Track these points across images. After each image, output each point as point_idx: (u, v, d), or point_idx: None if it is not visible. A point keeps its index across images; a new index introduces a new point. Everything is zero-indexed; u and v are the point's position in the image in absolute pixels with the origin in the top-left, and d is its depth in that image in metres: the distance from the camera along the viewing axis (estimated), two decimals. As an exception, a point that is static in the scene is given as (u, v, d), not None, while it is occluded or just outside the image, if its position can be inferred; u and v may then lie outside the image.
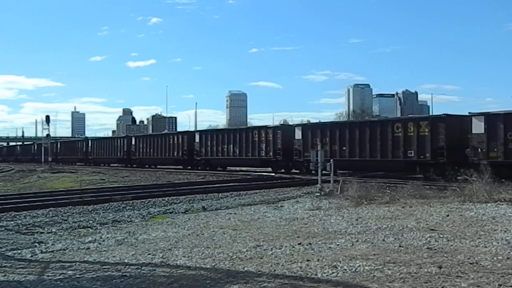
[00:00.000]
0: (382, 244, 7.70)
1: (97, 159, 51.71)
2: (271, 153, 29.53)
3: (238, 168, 34.27)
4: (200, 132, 38.29)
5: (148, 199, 15.64)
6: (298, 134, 27.82)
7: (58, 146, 63.33)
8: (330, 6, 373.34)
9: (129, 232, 9.92)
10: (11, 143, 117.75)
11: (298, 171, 28.26)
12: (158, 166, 41.45)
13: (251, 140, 31.08)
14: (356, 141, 24.54)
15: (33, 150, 69.57)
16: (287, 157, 28.54)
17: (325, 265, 6.38)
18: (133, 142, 44.51)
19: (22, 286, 5.99)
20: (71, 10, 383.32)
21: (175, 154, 38.11)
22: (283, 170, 29.14)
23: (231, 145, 32.50)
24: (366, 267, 6.18)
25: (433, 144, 21.36)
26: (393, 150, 22.86)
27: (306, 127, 28.76)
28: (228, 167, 34.91)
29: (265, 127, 31.91)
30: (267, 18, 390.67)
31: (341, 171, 23.13)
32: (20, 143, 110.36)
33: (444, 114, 22.18)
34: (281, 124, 34.83)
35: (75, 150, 58.08)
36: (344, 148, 25.10)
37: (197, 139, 35.55)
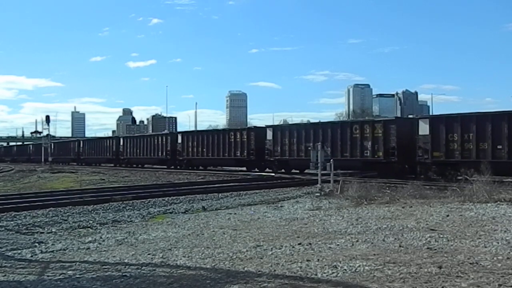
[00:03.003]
0: (382, 244, 7.69)
1: (131, 159, 45.39)
2: (380, 153, 23.66)
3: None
4: (274, 127, 31.93)
5: (148, 199, 15.65)
6: (424, 129, 21.97)
7: (81, 145, 57.50)
8: (328, 7, 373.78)
9: (129, 232, 9.92)
10: (21, 143, 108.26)
11: (414, 176, 22.06)
12: (209, 168, 36.78)
13: (350, 137, 25.08)
14: None
15: (49, 150, 62.70)
16: (403, 158, 23.13)
17: (325, 265, 6.37)
18: (179, 140, 38.70)
19: (22, 286, 5.99)
20: (72, 10, 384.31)
21: (238, 154, 32.74)
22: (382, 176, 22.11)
23: (313, 143, 24.66)
24: (366, 267, 6.18)
25: None
26: None
27: (437, 120, 22.21)
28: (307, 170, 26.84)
29: (372, 121, 26.00)
30: (266, 19, 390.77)
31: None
32: (21, 142, 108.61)
33: None
34: (395, 117, 27.81)
35: (102, 149, 51.48)
36: None
37: (269, 136, 30.13)
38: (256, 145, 31.38)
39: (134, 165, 44.38)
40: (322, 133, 26.48)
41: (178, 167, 38.15)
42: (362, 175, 22.58)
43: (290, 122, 66.44)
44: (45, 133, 55.58)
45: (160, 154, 40.92)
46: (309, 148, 25.87)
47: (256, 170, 31.18)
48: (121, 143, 47.85)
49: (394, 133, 23.27)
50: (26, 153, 75.46)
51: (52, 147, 62.79)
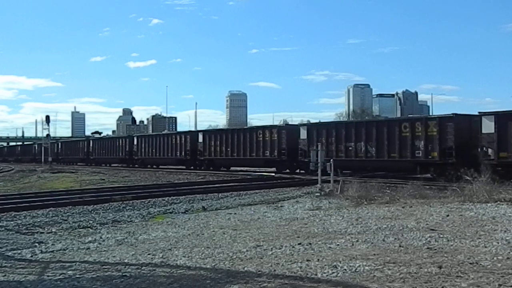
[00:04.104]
0: (382, 244, 7.69)
1: (146, 160, 43.34)
2: (435, 153, 21.49)
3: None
4: (309, 126, 29.24)
5: (148, 199, 15.65)
6: (488, 127, 19.35)
7: (91, 145, 55.27)
8: (328, 7, 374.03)
9: (129, 232, 9.92)
10: (25, 143, 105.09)
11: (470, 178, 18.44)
12: (233, 168, 34.68)
13: (398, 136, 22.98)
14: None
15: (56, 149, 60.25)
16: (463, 159, 20.08)
17: (325, 265, 6.37)
18: (200, 139, 36.14)
19: (22, 286, 5.99)
20: (72, 10, 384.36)
21: (267, 154, 30.29)
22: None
23: (355, 143, 24.83)
24: (366, 267, 6.18)
25: None
26: None
27: (505, 117, 19.44)
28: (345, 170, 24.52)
29: (425, 119, 23.25)
30: (266, 19, 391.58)
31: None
32: (21, 143, 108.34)
33: None
34: (453, 114, 22.54)
35: (114, 149, 49.09)
36: None
37: (303, 135, 27.76)
38: (288, 144, 29.07)
39: (149, 166, 42.37)
40: (365, 132, 24.52)
41: (198, 168, 36.00)
42: (362, 174, 22.56)
43: (290, 122, 65.76)
44: (45, 133, 54.91)
45: (178, 154, 38.31)
46: (350, 148, 24.91)
47: (287, 170, 29.26)
48: (135, 142, 45.02)
49: (452, 131, 21.01)
50: (31, 153, 73.13)
51: (59, 146, 62.14)
